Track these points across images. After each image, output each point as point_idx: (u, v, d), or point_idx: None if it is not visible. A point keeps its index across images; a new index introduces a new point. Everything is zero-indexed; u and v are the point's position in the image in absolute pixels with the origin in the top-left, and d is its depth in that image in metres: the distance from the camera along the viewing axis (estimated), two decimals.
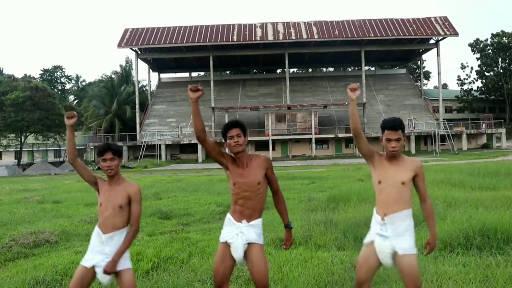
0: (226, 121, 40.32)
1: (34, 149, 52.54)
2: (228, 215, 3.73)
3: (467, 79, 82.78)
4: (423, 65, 74.27)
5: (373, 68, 76.84)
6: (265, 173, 3.70)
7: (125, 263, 3.61)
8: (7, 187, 20.55)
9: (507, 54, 76.08)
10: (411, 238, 3.41)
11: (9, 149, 50.53)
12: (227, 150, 3.88)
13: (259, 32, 58.55)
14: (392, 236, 3.36)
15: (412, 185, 3.48)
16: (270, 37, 57.80)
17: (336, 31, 57.94)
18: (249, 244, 3.58)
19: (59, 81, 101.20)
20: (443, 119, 56.86)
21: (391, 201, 3.40)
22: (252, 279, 3.63)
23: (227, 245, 3.63)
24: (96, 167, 44.53)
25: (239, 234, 3.58)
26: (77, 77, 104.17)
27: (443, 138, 50.10)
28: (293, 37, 57.62)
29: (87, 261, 3.57)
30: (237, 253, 3.58)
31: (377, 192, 3.51)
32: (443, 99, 61.67)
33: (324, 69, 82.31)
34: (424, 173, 3.53)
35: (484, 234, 5.86)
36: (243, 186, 3.62)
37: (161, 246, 6.60)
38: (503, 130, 55.34)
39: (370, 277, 3.47)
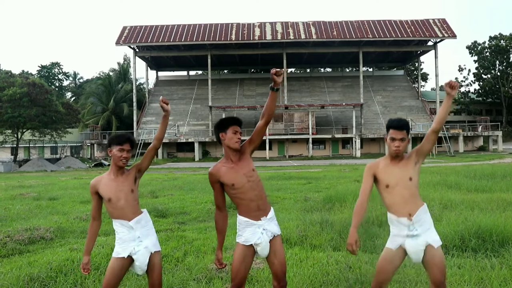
0: None
1: (30, 145, 52.33)
2: (243, 218, 3.61)
3: (464, 82, 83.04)
4: (421, 66, 74.45)
5: (371, 69, 76.86)
6: (251, 149, 3.70)
7: (157, 245, 3.64)
8: (3, 183, 20.49)
9: (505, 57, 76.33)
10: (435, 230, 3.50)
11: (5, 145, 50.35)
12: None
13: (257, 31, 58.52)
14: (422, 232, 3.38)
15: (418, 179, 3.48)
16: (269, 37, 57.77)
17: (335, 31, 57.95)
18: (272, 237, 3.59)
19: (56, 77, 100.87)
20: None
21: (408, 199, 3.40)
22: (272, 269, 3.60)
23: (250, 246, 3.56)
24: (93, 164, 44.45)
25: (263, 232, 3.55)
26: (75, 74, 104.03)
27: (439, 140, 50.18)
28: (292, 37, 57.61)
29: (121, 253, 3.50)
30: (266, 250, 3.56)
31: (387, 195, 3.46)
32: (440, 101, 61.75)
33: (322, 70, 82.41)
34: (418, 147, 3.55)
35: (480, 236, 5.87)
36: (244, 178, 3.57)
37: None
38: (499, 133, 55.50)
39: (390, 278, 3.47)
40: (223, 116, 43.86)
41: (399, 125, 3.44)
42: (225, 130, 3.63)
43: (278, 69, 3.43)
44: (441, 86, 59.50)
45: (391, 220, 3.50)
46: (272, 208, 3.72)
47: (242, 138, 3.68)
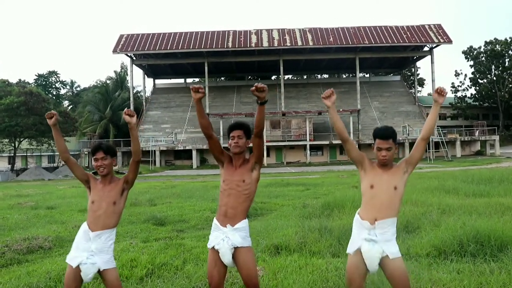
0: (221, 127, 39.97)
1: (28, 154, 52.26)
2: (214, 220, 3.79)
3: (460, 86, 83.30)
4: (417, 72, 74.70)
5: (367, 75, 77.15)
6: (254, 161, 3.76)
7: (110, 263, 3.63)
8: (0, 193, 20.41)
9: (500, 61, 76.62)
10: (396, 244, 3.45)
11: (3, 154, 50.31)
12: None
13: (254, 38, 58.74)
14: (380, 240, 3.36)
15: (402, 192, 3.49)
16: (265, 44, 57.99)
17: (331, 38, 58.20)
18: (236, 248, 3.61)
19: (54, 86, 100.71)
20: (437, 126, 57.03)
21: (383, 206, 3.40)
22: (242, 281, 3.66)
23: (215, 250, 3.66)
24: (91, 172, 44.38)
25: (224, 239, 3.62)
26: (72, 83, 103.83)
27: (437, 145, 50.29)
28: (288, 44, 57.83)
29: (72, 260, 3.57)
30: (225, 258, 3.62)
31: (368, 196, 3.49)
32: None
33: (319, 76, 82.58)
34: (407, 157, 3.57)
35: (478, 241, 5.87)
36: (229, 184, 3.70)
37: (155, 253, 6.57)
38: (496, 137, 55.65)
39: (362, 285, 3.46)
40: (221, 124, 43.52)
41: (385, 134, 3.45)
42: (229, 138, 3.80)
43: (260, 85, 3.47)
44: None
45: (355, 220, 3.54)
46: (245, 221, 3.73)
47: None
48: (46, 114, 3.75)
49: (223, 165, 3.80)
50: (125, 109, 3.78)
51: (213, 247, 3.68)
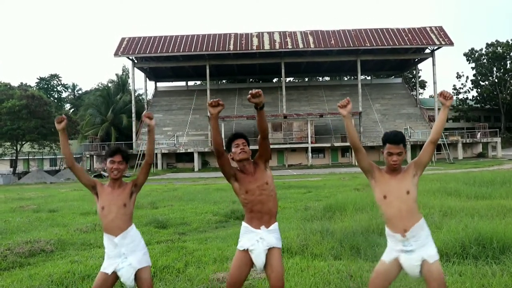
0: (223, 130, 39.84)
1: (29, 157, 52.35)
2: (244, 224, 3.75)
3: (462, 89, 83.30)
4: (419, 74, 74.66)
5: (369, 78, 77.12)
6: (263, 162, 3.84)
7: (144, 261, 3.64)
8: (3, 196, 20.45)
9: (502, 63, 76.57)
10: (433, 244, 3.45)
11: (5, 158, 50.36)
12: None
13: (255, 41, 58.80)
14: (417, 248, 3.36)
15: (415, 195, 3.47)
16: (267, 46, 58.03)
17: (332, 40, 58.23)
18: (270, 248, 3.62)
19: (55, 89, 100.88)
20: None
21: (404, 214, 3.38)
22: (269, 282, 3.64)
23: (245, 252, 3.65)
24: (93, 175, 44.44)
25: (259, 240, 3.62)
26: (74, 86, 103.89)
27: (438, 147, 50.14)
28: (289, 46, 57.88)
29: (106, 268, 3.57)
30: (260, 259, 3.60)
31: (385, 207, 3.47)
32: (438, 108, 61.81)
33: (320, 78, 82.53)
34: (416, 160, 3.56)
35: (480, 243, 5.86)
36: (257, 191, 3.68)
37: (157, 256, 6.58)
38: (498, 139, 55.53)
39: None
40: (222, 126, 43.26)
41: (396, 139, 3.45)
42: (230, 150, 3.80)
43: (254, 91, 3.49)
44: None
45: (387, 233, 3.52)
46: (276, 222, 3.77)
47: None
48: (56, 118, 3.74)
49: (235, 179, 3.76)
50: (144, 112, 3.80)
51: (244, 250, 3.65)
